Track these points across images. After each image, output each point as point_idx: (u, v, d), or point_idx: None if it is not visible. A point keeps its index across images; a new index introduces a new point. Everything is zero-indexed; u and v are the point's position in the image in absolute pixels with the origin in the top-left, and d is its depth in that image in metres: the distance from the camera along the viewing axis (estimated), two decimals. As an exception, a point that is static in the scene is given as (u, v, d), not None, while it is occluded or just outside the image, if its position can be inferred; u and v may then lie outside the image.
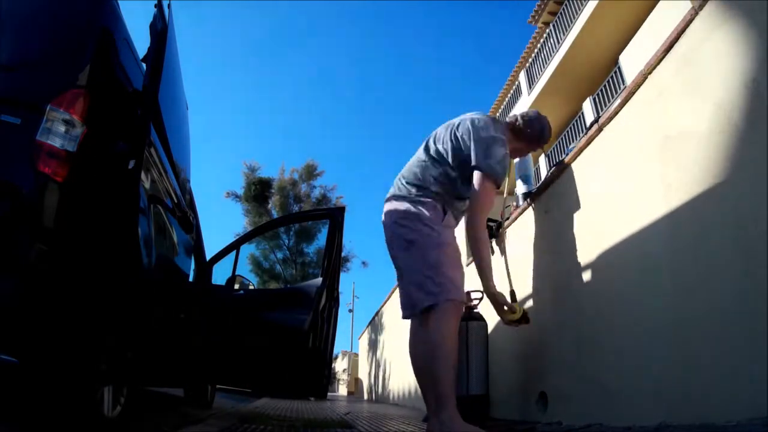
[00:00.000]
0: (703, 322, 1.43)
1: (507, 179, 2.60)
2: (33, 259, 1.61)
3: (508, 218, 2.82)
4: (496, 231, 2.77)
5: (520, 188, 2.88)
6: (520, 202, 2.85)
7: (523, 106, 12.71)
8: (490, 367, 2.92)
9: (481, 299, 3.01)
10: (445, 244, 2.14)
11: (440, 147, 2.28)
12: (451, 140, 2.26)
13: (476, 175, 2.16)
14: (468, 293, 2.96)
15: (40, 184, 1.65)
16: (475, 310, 2.86)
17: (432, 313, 2.02)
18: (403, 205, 2.23)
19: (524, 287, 2.62)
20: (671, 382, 1.52)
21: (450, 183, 2.24)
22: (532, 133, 2.38)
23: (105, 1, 1.98)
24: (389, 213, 2.29)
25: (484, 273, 2.18)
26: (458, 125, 2.29)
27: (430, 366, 2.00)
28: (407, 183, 2.27)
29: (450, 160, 2.24)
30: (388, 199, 2.32)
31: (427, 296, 2.04)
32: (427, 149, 2.33)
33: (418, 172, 2.27)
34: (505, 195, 2.80)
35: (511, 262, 2.81)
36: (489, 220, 2.69)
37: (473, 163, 2.16)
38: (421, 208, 2.18)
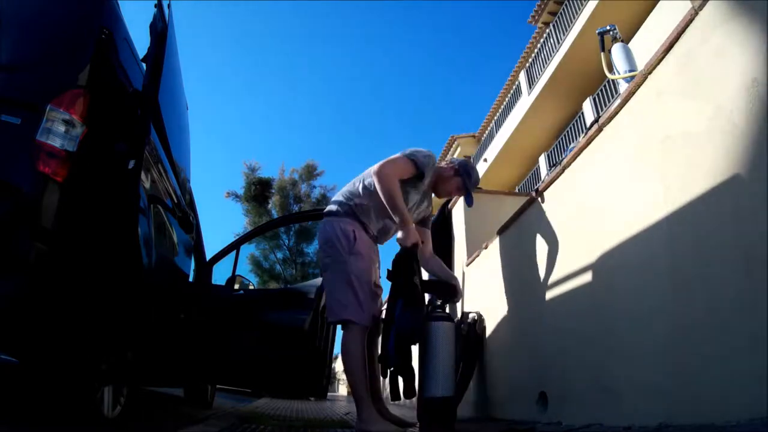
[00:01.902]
0: (703, 321, 1.43)
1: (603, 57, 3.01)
2: (33, 259, 1.61)
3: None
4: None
5: (622, 66, 2.94)
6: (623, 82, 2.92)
7: (523, 107, 12.70)
8: (489, 368, 2.92)
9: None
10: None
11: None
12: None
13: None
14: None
15: (40, 184, 1.66)
16: (439, 310, 2.69)
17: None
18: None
19: (525, 287, 2.62)
20: (671, 382, 1.52)
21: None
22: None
23: (105, 1, 1.99)
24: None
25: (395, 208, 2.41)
26: None
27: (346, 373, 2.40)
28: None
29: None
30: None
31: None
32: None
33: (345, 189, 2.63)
34: (606, 71, 3.03)
35: (511, 262, 2.82)
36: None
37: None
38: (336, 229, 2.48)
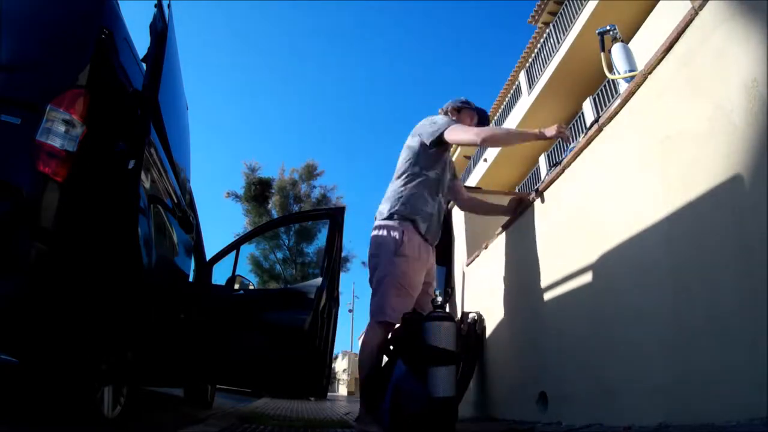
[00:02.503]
0: (703, 321, 1.43)
1: (603, 57, 3.09)
2: (33, 259, 1.61)
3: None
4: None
5: (622, 66, 3.02)
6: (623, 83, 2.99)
7: (523, 107, 12.70)
8: (489, 367, 2.92)
9: (450, 296, 2.97)
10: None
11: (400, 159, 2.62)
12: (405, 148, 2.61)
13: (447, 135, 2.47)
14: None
15: (40, 184, 1.65)
16: (439, 310, 2.69)
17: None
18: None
19: (524, 287, 2.62)
20: (671, 382, 1.52)
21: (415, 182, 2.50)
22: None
23: (105, 1, 1.99)
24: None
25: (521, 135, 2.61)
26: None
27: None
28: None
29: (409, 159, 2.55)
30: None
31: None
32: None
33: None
34: (606, 71, 3.10)
35: (511, 262, 2.82)
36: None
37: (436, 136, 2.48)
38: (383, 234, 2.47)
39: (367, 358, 2.33)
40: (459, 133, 2.47)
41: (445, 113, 2.69)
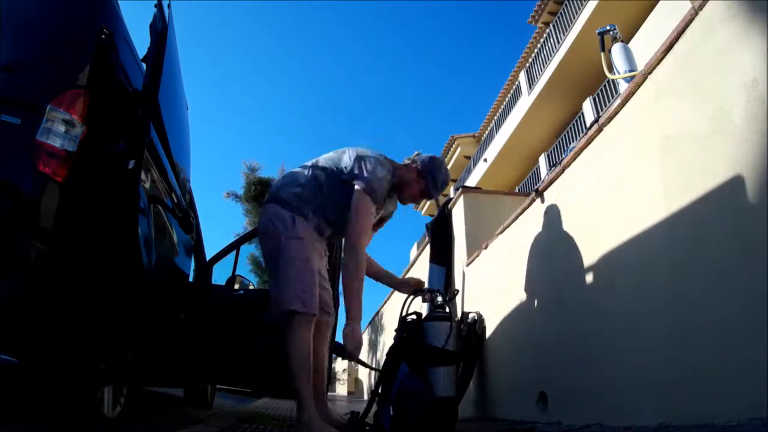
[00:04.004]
0: (703, 321, 1.43)
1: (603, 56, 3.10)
2: (33, 259, 1.61)
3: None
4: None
5: (622, 66, 3.04)
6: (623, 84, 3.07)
7: (523, 106, 12.70)
8: (489, 367, 2.92)
9: (453, 297, 2.97)
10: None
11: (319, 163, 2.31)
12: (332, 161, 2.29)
13: (355, 189, 2.15)
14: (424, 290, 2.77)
15: (39, 184, 1.65)
16: (439, 310, 2.63)
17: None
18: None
19: (524, 287, 2.62)
20: (671, 382, 1.52)
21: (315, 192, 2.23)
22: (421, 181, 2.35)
23: (105, 1, 1.99)
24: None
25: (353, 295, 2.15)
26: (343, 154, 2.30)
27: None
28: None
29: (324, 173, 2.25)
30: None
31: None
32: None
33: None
34: (606, 71, 3.16)
35: (511, 262, 2.82)
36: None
37: (352, 174, 2.17)
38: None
39: (305, 365, 2.11)
40: (364, 211, 2.17)
41: (411, 167, 2.36)
